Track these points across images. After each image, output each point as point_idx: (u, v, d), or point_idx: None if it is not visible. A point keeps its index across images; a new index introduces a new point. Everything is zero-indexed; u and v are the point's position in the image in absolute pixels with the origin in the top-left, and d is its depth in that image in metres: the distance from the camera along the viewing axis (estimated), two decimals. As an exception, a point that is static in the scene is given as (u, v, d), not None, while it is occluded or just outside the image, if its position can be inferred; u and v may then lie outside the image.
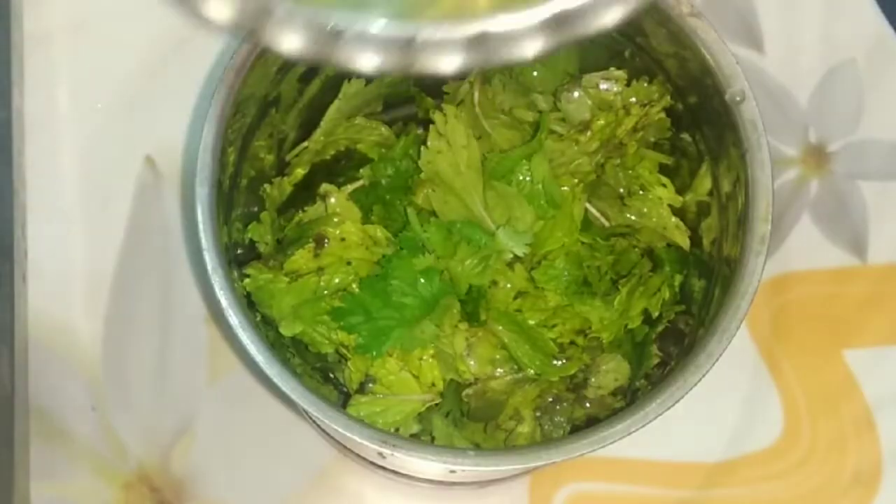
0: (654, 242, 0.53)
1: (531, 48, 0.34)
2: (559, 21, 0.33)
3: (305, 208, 0.52)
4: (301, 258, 0.50)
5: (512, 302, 0.51)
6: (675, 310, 0.52)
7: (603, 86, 0.52)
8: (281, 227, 0.53)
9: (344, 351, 0.50)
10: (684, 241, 0.53)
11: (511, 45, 0.34)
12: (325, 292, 0.49)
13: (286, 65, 0.49)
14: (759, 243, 0.46)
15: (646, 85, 0.51)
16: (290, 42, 0.34)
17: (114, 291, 0.60)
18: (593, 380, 0.52)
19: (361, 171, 0.54)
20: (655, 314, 0.52)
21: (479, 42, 0.34)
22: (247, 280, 0.49)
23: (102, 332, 0.59)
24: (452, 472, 0.49)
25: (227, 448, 0.58)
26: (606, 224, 0.54)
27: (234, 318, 0.45)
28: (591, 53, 0.52)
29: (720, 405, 0.59)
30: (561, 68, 0.53)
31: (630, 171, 0.53)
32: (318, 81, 0.52)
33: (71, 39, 0.63)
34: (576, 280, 0.51)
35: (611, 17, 0.33)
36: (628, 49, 0.51)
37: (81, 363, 0.59)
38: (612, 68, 0.52)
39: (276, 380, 0.44)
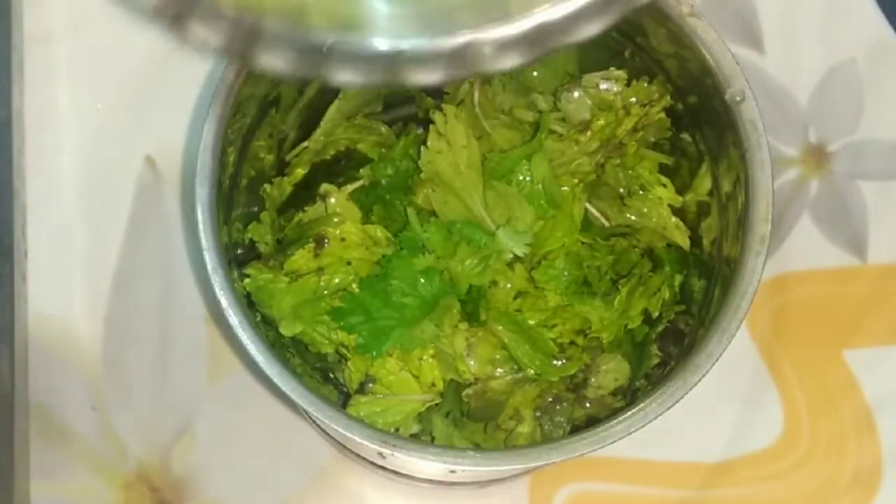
0: (654, 242, 0.53)
1: (511, 60, 0.34)
2: (539, 34, 0.34)
3: (305, 208, 0.52)
4: (301, 258, 0.50)
5: (512, 302, 0.51)
6: (675, 310, 0.52)
7: (603, 86, 0.52)
8: (281, 227, 0.53)
9: (344, 351, 0.50)
10: (684, 241, 0.53)
11: (492, 57, 0.34)
12: (325, 292, 0.49)
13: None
14: (759, 243, 0.46)
15: (646, 85, 0.51)
16: (277, 63, 0.35)
17: (114, 291, 0.60)
18: (593, 380, 0.52)
19: (361, 171, 0.54)
20: (655, 314, 0.52)
21: (460, 55, 0.35)
22: (247, 280, 0.49)
23: (102, 332, 0.59)
24: (452, 472, 0.49)
25: (227, 448, 0.58)
26: (606, 224, 0.54)
27: (234, 318, 0.45)
28: (591, 53, 0.52)
29: (720, 405, 0.59)
30: (561, 68, 0.53)
31: (630, 171, 0.53)
32: (318, 81, 0.52)
33: (71, 39, 0.63)
34: (576, 280, 0.51)
35: (588, 30, 0.34)
36: (628, 49, 0.51)
37: (81, 363, 0.59)
38: (612, 68, 0.52)
39: (276, 380, 0.44)
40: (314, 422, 0.55)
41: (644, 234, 0.53)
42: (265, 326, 0.50)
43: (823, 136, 0.64)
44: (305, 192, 0.54)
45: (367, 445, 0.43)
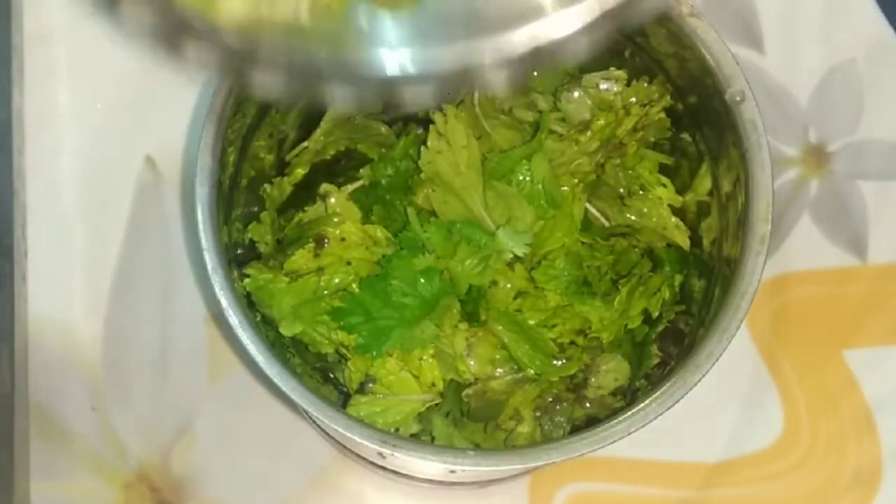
0: (654, 242, 0.53)
1: (507, 77, 0.34)
2: (535, 52, 0.34)
3: (305, 208, 0.52)
4: (301, 258, 0.50)
5: (512, 302, 0.51)
6: (675, 310, 0.52)
7: (603, 86, 0.52)
8: (281, 227, 0.53)
9: (344, 351, 0.50)
10: (684, 241, 0.53)
11: (489, 75, 0.34)
12: (325, 292, 0.49)
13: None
14: (759, 243, 0.46)
15: (646, 85, 0.51)
16: (273, 85, 0.35)
17: (114, 291, 0.60)
18: (593, 380, 0.52)
19: (361, 171, 0.54)
20: (655, 314, 0.52)
21: (458, 75, 0.35)
22: (247, 280, 0.49)
23: (102, 332, 0.59)
24: (452, 472, 0.49)
25: (227, 448, 0.58)
26: (606, 224, 0.54)
27: (234, 318, 0.45)
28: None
29: (720, 405, 0.59)
30: (561, 68, 0.53)
31: (630, 171, 0.53)
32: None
33: (71, 39, 0.63)
34: (576, 280, 0.51)
35: (582, 47, 0.34)
36: (628, 49, 0.51)
37: (81, 363, 0.59)
38: (612, 68, 0.52)
39: (276, 380, 0.44)
40: (314, 422, 0.55)
41: (644, 234, 0.53)
42: (265, 326, 0.50)
43: (823, 136, 0.64)
44: (305, 192, 0.54)
45: (367, 445, 0.43)
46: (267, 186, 0.53)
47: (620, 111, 0.51)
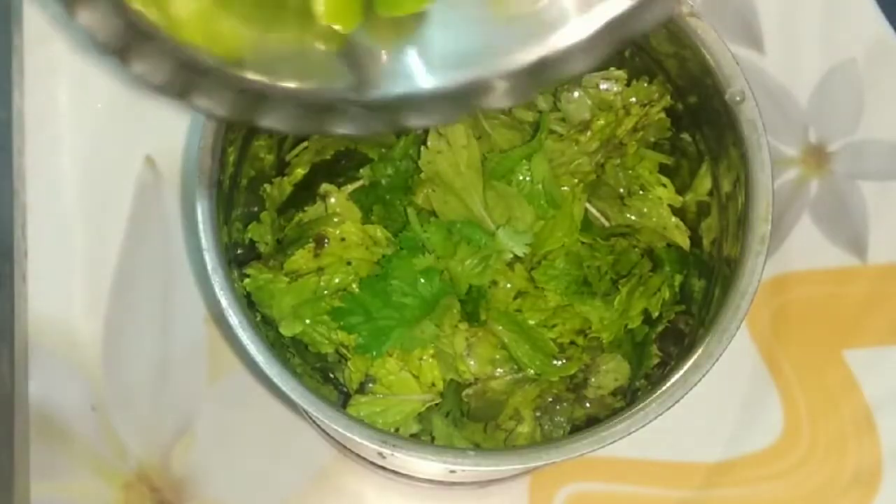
0: (654, 242, 0.53)
1: (512, 94, 0.34)
2: (540, 66, 0.34)
3: (305, 208, 0.52)
4: (301, 258, 0.50)
5: (512, 302, 0.51)
6: (675, 310, 0.52)
7: (603, 86, 0.52)
8: (281, 227, 0.53)
9: (344, 351, 0.50)
10: (684, 241, 0.53)
11: (493, 99, 0.34)
12: (325, 292, 0.49)
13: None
14: (759, 243, 0.46)
15: (646, 85, 0.51)
16: (280, 123, 0.35)
17: (114, 291, 0.60)
18: (593, 380, 0.52)
19: (361, 171, 0.54)
20: (655, 314, 0.52)
21: (466, 93, 0.35)
22: (247, 280, 0.49)
23: (102, 332, 0.59)
24: (452, 472, 0.49)
25: (227, 448, 0.58)
26: (606, 224, 0.54)
27: (234, 318, 0.45)
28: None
29: (720, 405, 0.59)
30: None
31: (630, 171, 0.53)
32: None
33: (71, 39, 0.63)
34: (576, 280, 0.51)
35: (585, 63, 0.34)
36: (628, 49, 0.51)
37: (81, 363, 0.59)
38: (612, 68, 0.52)
39: (276, 380, 0.44)
40: (314, 422, 0.55)
41: (644, 234, 0.53)
42: (265, 326, 0.50)
43: (823, 136, 0.64)
44: (305, 192, 0.54)
45: (367, 445, 0.43)
46: (267, 186, 0.53)
47: (620, 111, 0.51)
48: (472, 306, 0.50)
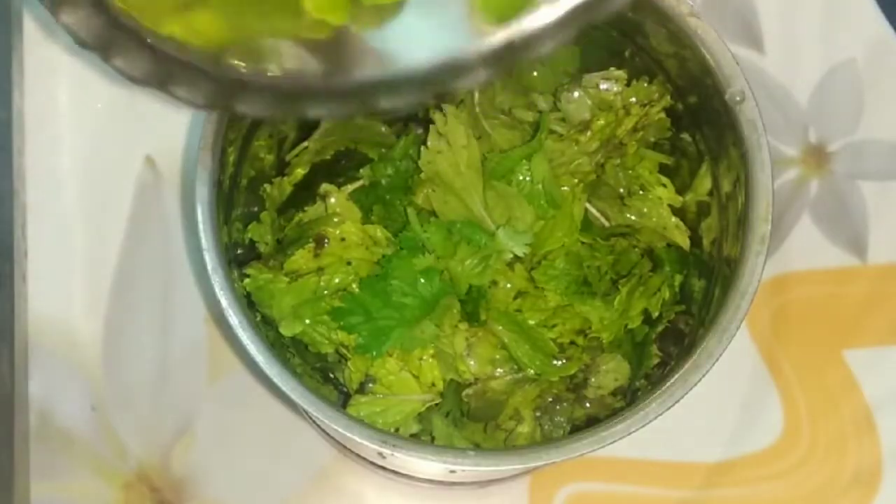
0: (654, 242, 0.53)
1: (479, 78, 0.35)
2: (509, 50, 0.35)
3: (305, 208, 0.52)
4: (301, 258, 0.50)
5: (512, 302, 0.51)
6: (675, 310, 0.52)
7: (603, 86, 0.52)
8: (281, 227, 0.53)
9: (344, 351, 0.50)
10: (684, 241, 0.53)
11: (467, 74, 0.35)
12: (325, 292, 0.49)
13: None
14: (759, 243, 0.46)
15: (646, 85, 0.51)
16: (255, 108, 0.36)
17: (114, 291, 0.60)
18: (593, 380, 0.52)
19: (361, 171, 0.54)
20: (655, 314, 0.52)
21: (437, 76, 0.35)
22: (247, 280, 0.49)
23: (102, 332, 0.59)
24: (452, 472, 0.49)
25: (227, 448, 0.58)
26: (606, 224, 0.54)
27: (234, 318, 0.45)
28: (591, 53, 0.52)
29: (720, 405, 0.59)
30: (561, 68, 0.53)
31: (630, 171, 0.53)
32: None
33: (71, 39, 0.63)
34: (576, 280, 0.51)
35: (551, 44, 0.35)
36: (628, 49, 0.51)
37: (81, 363, 0.59)
38: (612, 68, 0.52)
39: (276, 380, 0.44)
40: (314, 422, 0.55)
41: (644, 234, 0.53)
42: (265, 326, 0.50)
43: (823, 136, 0.64)
44: (305, 192, 0.54)
45: (367, 445, 0.43)
46: (267, 186, 0.53)
47: (620, 111, 0.51)
48: (472, 306, 0.50)
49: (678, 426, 0.56)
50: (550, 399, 0.52)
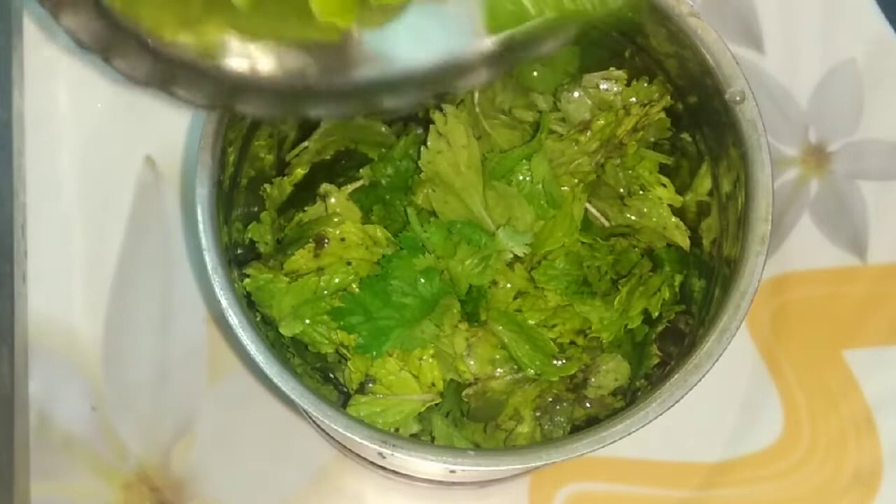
0: (654, 242, 0.53)
1: (480, 78, 0.35)
2: (508, 49, 0.35)
3: (305, 208, 0.52)
4: (301, 258, 0.50)
5: (512, 302, 0.51)
6: (675, 310, 0.52)
7: (603, 86, 0.52)
8: (281, 227, 0.53)
9: (344, 351, 0.50)
10: (684, 241, 0.53)
11: (468, 76, 0.36)
12: (325, 292, 0.49)
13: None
14: (759, 243, 0.46)
15: (646, 85, 0.51)
16: (258, 109, 0.36)
17: (114, 291, 0.60)
18: (593, 380, 0.52)
19: (361, 171, 0.54)
20: (655, 314, 0.52)
21: (437, 75, 0.36)
22: (247, 280, 0.49)
23: (102, 333, 0.59)
24: (452, 472, 0.49)
25: (227, 448, 0.58)
26: (606, 224, 0.54)
27: (234, 318, 0.45)
28: (591, 53, 0.52)
29: (720, 405, 0.59)
30: (561, 68, 0.53)
31: (630, 171, 0.53)
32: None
33: (71, 40, 0.63)
34: (576, 280, 0.51)
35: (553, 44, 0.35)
36: (628, 49, 0.51)
37: (81, 363, 0.59)
38: (612, 68, 0.52)
39: (276, 380, 0.44)
40: (314, 422, 0.55)
41: (644, 234, 0.53)
42: (265, 326, 0.50)
43: (823, 136, 0.64)
44: (305, 192, 0.54)
45: (367, 445, 0.43)
46: (267, 186, 0.53)
47: (620, 111, 0.51)
48: (472, 306, 0.50)
49: (678, 426, 0.56)
50: (550, 399, 0.52)
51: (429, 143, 0.50)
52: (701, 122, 0.51)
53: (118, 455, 0.58)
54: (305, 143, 0.53)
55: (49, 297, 0.59)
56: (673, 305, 0.52)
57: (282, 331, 0.49)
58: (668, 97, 0.51)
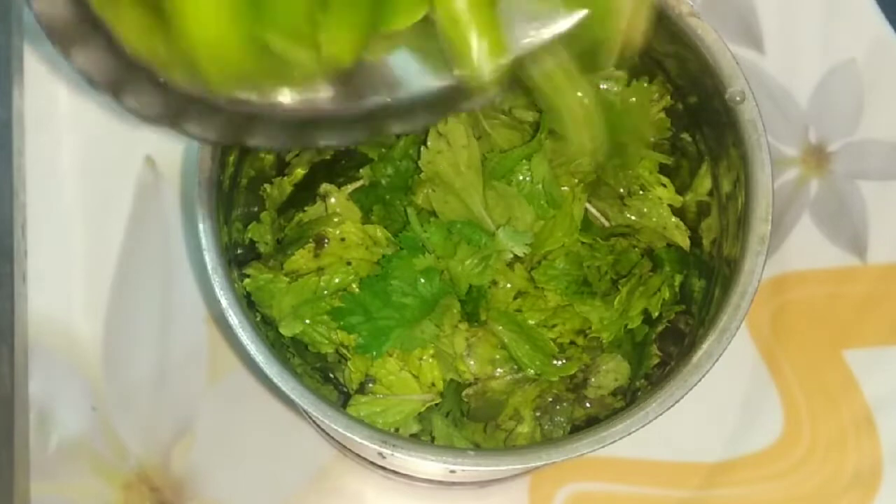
0: (654, 242, 0.53)
1: (489, 97, 0.36)
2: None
3: (305, 208, 0.52)
4: (301, 258, 0.50)
5: (512, 302, 0.51)
6: (675, 310, 0.52)
7: (603, 86, 0.52)
8: (281, 227, 0.53)
9: (344, 351, 0.50)
10: (684, 241, 0.53)
11: (474, 98, 0.36)
12: (325, 292, 0.49)
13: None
14: (759, 243, 0.46)
15: (646, 85, 0.51)
16: (268, 141, 0.36)
17: (114, 291, 0.60)
18: (593, 380, 0.52)
19: (361, 171, 0.54)
20: (655, 314, 0.52)
21: (438, 104, 0.35)
22: (247, 280, 0.49)
23: (102, 333, 0.59)
24: (452, 472, 0.49)
25: (227, 448, 0.58)
26: (606, 224, 0.54)
27: (234, 318, 0.45)
28: (591, 53, 0.52)
29: (720, 405, 0.59)
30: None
31: (630, 171, 0.53)
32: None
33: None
34: (576, 280, 0.51)
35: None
36: (628, 49, 0.51)
37: (81, 363, 0.59)
38: (611, 68, 0.52)
39: (276, 380, 0.44)
40: (314, 422, 0.55)
41: (644, 234, 0.53)
42: (265, 326, 0.50)
43: (823, 136, 0.64)
44: (305, 192, 0.54)
45: (367, 445, 0.43)
46: (267, 186, 0.53)
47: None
48: (472, 306, 0.50)
49: (678, 426, 0.56)
50: (550, 399, 0.52)
51: (429, 143, 0.50)
52: (701, 122, 0.51)
53: (118, 455, 0.58)
54: (305, 143, 0.53)
55: (49, 297, 0.59)
56: (673, 305, 0.52)
57: (282, 331, 0.49)
58: (668, 97, 0.51)
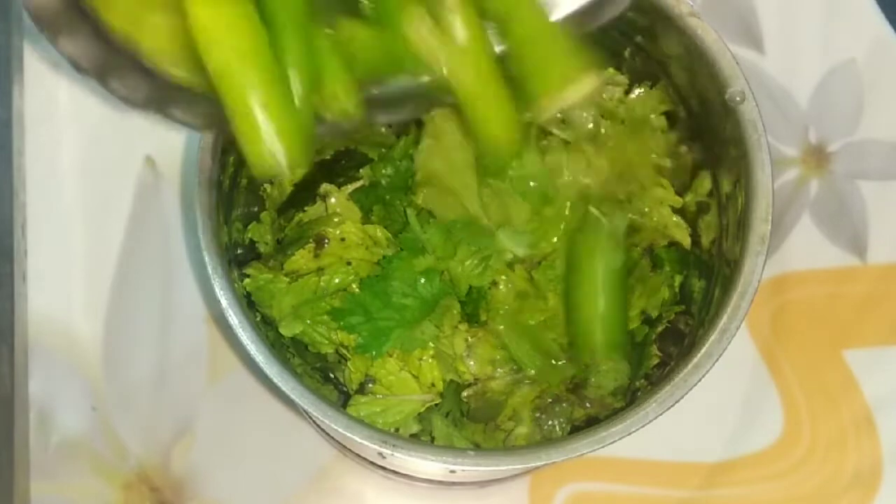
0: (655, 242, 0.53)
1: None
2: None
3: (305, 208, 0.52)
4: (301, 258, 0.50)
5: (512, 302, 0.51)
6: (675, 310, 0.52)
7: (604, 94, 0.52)
8: (281, 227, 0.53)
9: (344, 351, 0.50)
10: (685, 238, 0.53)
11: None
12: (325, 292, 0.49)
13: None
14: (759, 243, 0.46)
15: (647, 89, 0.51)
16: None
17: (114, 291, 0.60)
18: (593, 380, 0.52)
19: (361, 171, 0.54)
20: (655, 314, 0.52)
21: (425, 95, 0.36)
22: (247, 280, 0.49)
23: (102, 333, 0.59)
24: (452, 472, 0.49)
25: (227, 448, 0.58)
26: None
27: (234, 318, 0.45)
28: (591, 53, 0.52)
29: (720, 405, 0.59)
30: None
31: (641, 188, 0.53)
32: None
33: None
34: (576, 280, 0.51)
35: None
36: (628, 49, 0.51)
37: (81, 363, 0.59)
38: (611, 69, 0.52)
39: (276, 380, 0.44)
40: (314, 422, 0.55)
41: (644, 233, 0.53)
42: (265, 326, 0.50)
43: (823, 136, 0.64)
44: (305, 192, 0.54)
45: (367, 445, 0.43)
46: (267, 186, 0.53)
47: (626, 125, 0.51)
48: (473, 307, 0.50)
49: (678, 426, 0.56)
50: (550, 399, 0.52)
51: (422, 144, 0.50)
52: (702, 124, 0.51)
53: (118, 455, 0.58)
54: (305, 143, 0.53)
55: (49, 297, 0.59)
56: (673, 305, 0.52)
57: (282, 331, 0.49)
58: (669, 100, 0.51)
